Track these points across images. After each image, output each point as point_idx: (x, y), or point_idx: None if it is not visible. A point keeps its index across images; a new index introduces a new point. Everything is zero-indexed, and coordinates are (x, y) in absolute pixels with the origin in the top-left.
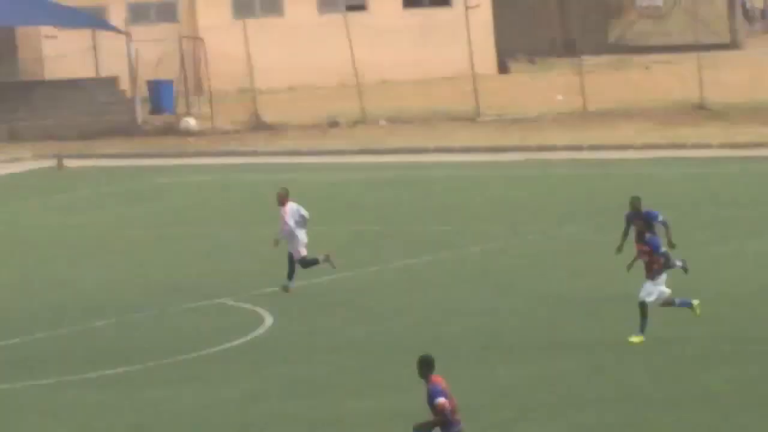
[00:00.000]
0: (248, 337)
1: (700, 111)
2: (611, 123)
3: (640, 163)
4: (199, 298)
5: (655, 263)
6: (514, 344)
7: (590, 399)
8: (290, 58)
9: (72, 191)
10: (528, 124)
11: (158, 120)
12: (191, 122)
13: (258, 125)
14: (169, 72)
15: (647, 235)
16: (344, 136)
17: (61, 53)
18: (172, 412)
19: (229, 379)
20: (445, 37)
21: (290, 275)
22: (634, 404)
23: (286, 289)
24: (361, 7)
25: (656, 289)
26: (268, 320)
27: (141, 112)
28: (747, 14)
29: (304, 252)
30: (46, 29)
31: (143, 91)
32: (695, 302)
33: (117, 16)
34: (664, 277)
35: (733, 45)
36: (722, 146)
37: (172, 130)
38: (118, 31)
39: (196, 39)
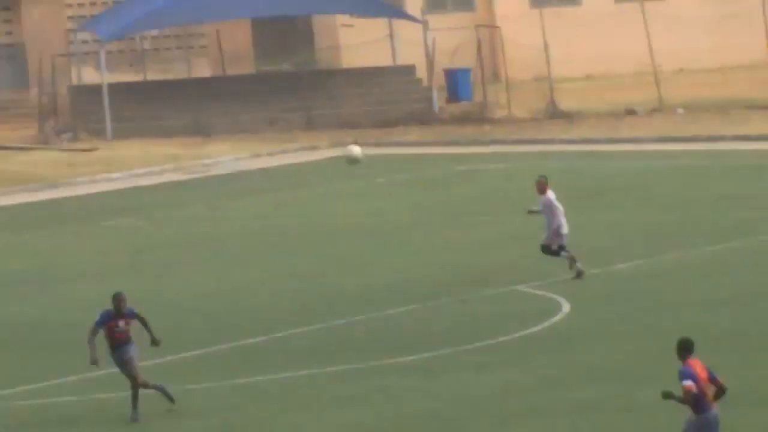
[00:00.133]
0: (546, 324)
1: None
2: None
3: None
4: (496, 285)
5: None
6: None
7: None
8: (586, 47)
9: (369, 179)
10: None
11: (456, 108)
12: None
13: (554, 113)
14: (464, 61)
15: None
16: (641, 124)
17: (358, 42)
18: (470, 398)
19: (527, 366)
20: (742, 26)
21: (570, 261)
22: None
23: (579, 274)
24: None
25: None
26: (565, 307)
27: (438, 101)
28: None
29: (551, 241)
30: (343, 18)
31: (440, 79)
32: None
33: (414, 5)
34: None
35: None
36: None
37: (469, 119)
38: (415, 20)
39: (492, 28)
